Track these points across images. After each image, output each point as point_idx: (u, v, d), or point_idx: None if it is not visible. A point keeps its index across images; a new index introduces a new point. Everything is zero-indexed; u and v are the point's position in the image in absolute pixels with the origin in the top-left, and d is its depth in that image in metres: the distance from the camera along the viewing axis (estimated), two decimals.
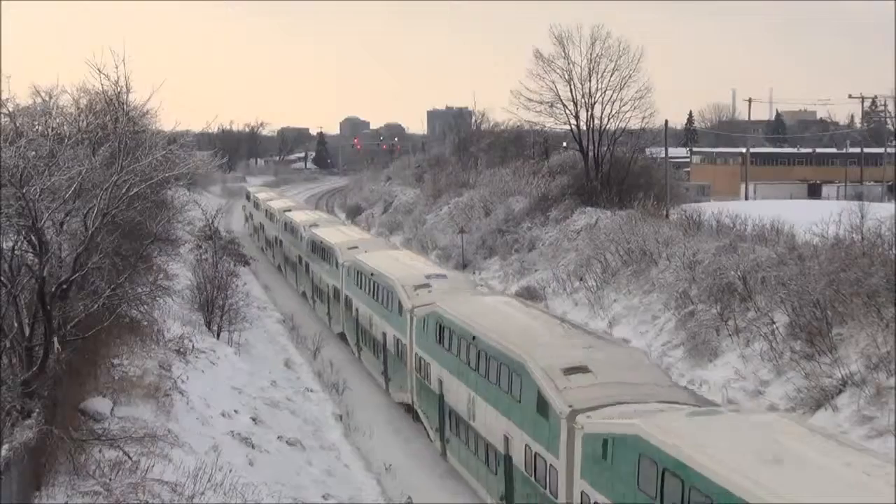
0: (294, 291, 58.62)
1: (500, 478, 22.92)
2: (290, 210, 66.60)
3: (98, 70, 27.92)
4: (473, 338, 24.88)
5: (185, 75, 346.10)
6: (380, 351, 35.91)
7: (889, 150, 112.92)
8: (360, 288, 39.46)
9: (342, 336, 44.12)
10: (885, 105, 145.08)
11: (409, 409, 32.42)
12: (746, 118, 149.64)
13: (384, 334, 35.03)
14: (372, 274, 37.44)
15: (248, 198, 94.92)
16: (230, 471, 20.52)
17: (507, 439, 22.28)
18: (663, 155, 66.64)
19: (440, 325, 28.03)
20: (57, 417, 18.13)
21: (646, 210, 53.76)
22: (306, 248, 54.60)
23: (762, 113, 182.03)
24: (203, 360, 31.04)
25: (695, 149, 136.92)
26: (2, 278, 18.15)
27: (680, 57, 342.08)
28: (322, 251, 49.51)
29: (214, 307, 38.34)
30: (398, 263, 38.74)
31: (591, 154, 63.52)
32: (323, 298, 49.18)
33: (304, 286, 55.66)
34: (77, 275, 19.63)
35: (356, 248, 44.92)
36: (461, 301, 29.60)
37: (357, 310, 40.01)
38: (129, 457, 18.96)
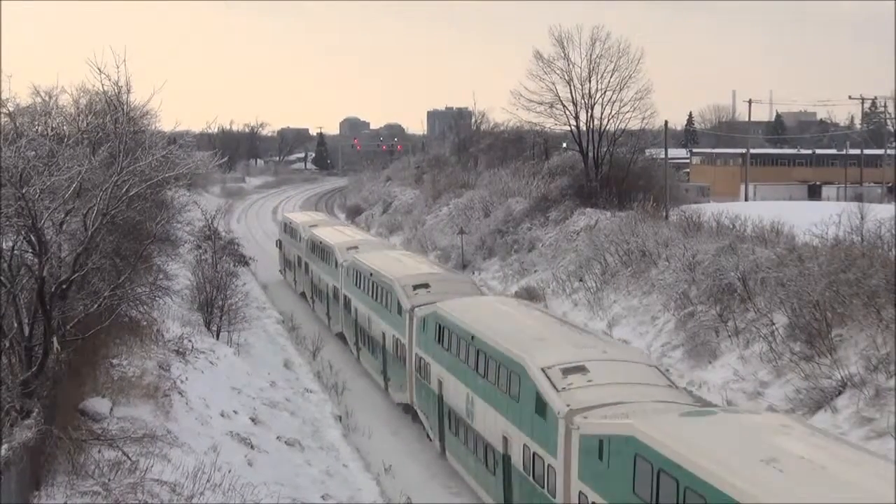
0: None
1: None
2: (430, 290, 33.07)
3: (98, 70, 27.94)
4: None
5: (185, 75, 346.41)
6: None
7: (889, 151, 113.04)
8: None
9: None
10: (885, 106, 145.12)
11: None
12: (746, 119, 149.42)
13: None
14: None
15: (291, 232, 60.69)
16: (229, 471, 20.53)
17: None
18: (663, 156, 66.67)
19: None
20: (56, 417, 18.13)
21: (645, 211, 53.77)
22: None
23: (762, 114, 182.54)
24: (202, 360, 31.03)
25: (694, 150, 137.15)
26: (1, 278, 18.14)
27: (680, 57, 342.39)
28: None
29: (214, 307, 38.35)
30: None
31: (590, 155, 63.54)
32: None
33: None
34: (77, 275, 19.63)
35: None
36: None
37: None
38: (128, 457, 18.95)
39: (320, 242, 49.61)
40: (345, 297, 42.20)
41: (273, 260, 69.59)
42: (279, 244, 66.35)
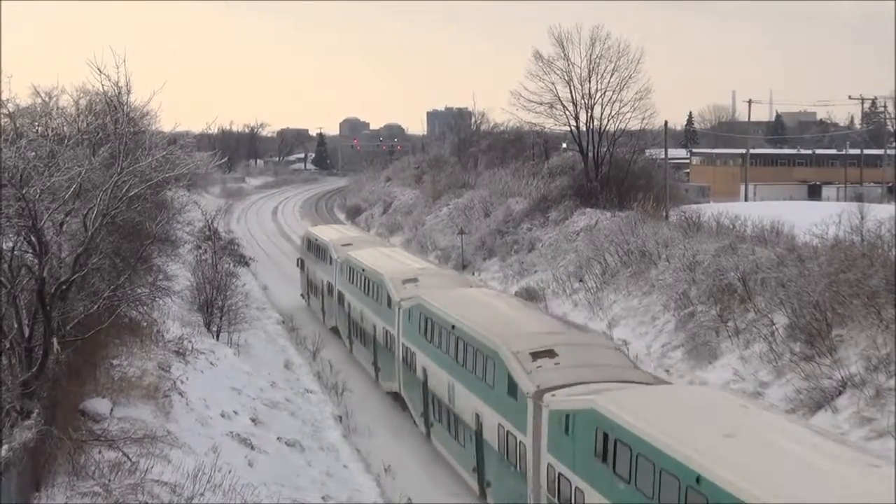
0: None
1: None
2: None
3: (99, 70, 27.98)
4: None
5: (185, 75, 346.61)
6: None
7: (889, 151, 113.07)
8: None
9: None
10: (885, 106, 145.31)
11: None
12: (746, 119, 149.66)
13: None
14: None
15: (317, 252, 50.41)
16: (229, 471, 20.53)
17: None
18: (663, 156, 66.70)
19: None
20: (56, 418, 18.13)
21: (645, 211, 53.79)
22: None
23: (762, 114, 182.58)
24: (202, 360, 31.05)
25: (694, 150, 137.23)
26: (1, 279, 18.15)
27: (680, 57, 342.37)
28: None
29: (214, 308, 38.35)
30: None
31: (590, 155, 63.56)
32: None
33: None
34: (77, 275, 19.63)
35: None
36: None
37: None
38: (128, 457, 18.96)
39: (362, 270, 39.38)
40: (406, 349, 31.85)
41: (278, 265, 69.39)
42: (301, 264, 55.47)
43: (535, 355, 21.82)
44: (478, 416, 24.29)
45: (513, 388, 21.76)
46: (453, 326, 26.81)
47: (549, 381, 20.68)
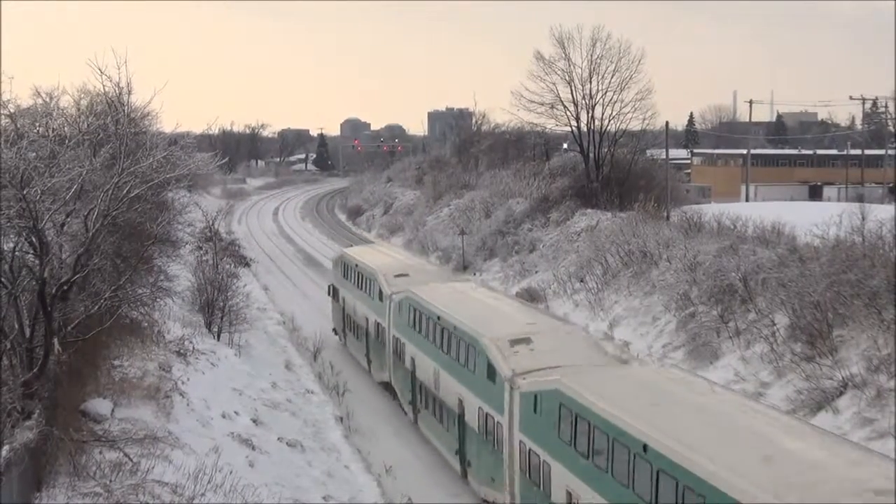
0: None
1: None
2: None
3: (100, 71, 27.96)
4: None
5: (186, 76, 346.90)
6: None
7: (890, 151, 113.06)
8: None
9: None
10: (886, 107, 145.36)
11: None
12: (747, 119, 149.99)
13: None
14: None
15: (359, 281, 39.62)
16: (230, 472, 20.54)
17: None
18: (664, 156, 66.70)
19: None
20: (57, 418, 18.14)
21: (646, 212, 53.74)
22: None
23: (763, 114, 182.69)
24: (203, 361, 31.06)
25: (695, 150, 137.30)
26: (2, 279, 18.17)
27: (680, 58, 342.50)
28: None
29: (215, 309, 38.35)
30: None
31: (591, 155, 63.56)
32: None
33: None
34: (78, 276, 19.65)
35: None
36: None
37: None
38: (129, 458, 18.96)
39: (438, 319, 28.46)
40: (528, 451, 21.33)
41: (279, 266, 69.14)
42: (333, 292, 45.21)
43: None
44: None
45: None
46: (641, 443, 16.42)
47: None
